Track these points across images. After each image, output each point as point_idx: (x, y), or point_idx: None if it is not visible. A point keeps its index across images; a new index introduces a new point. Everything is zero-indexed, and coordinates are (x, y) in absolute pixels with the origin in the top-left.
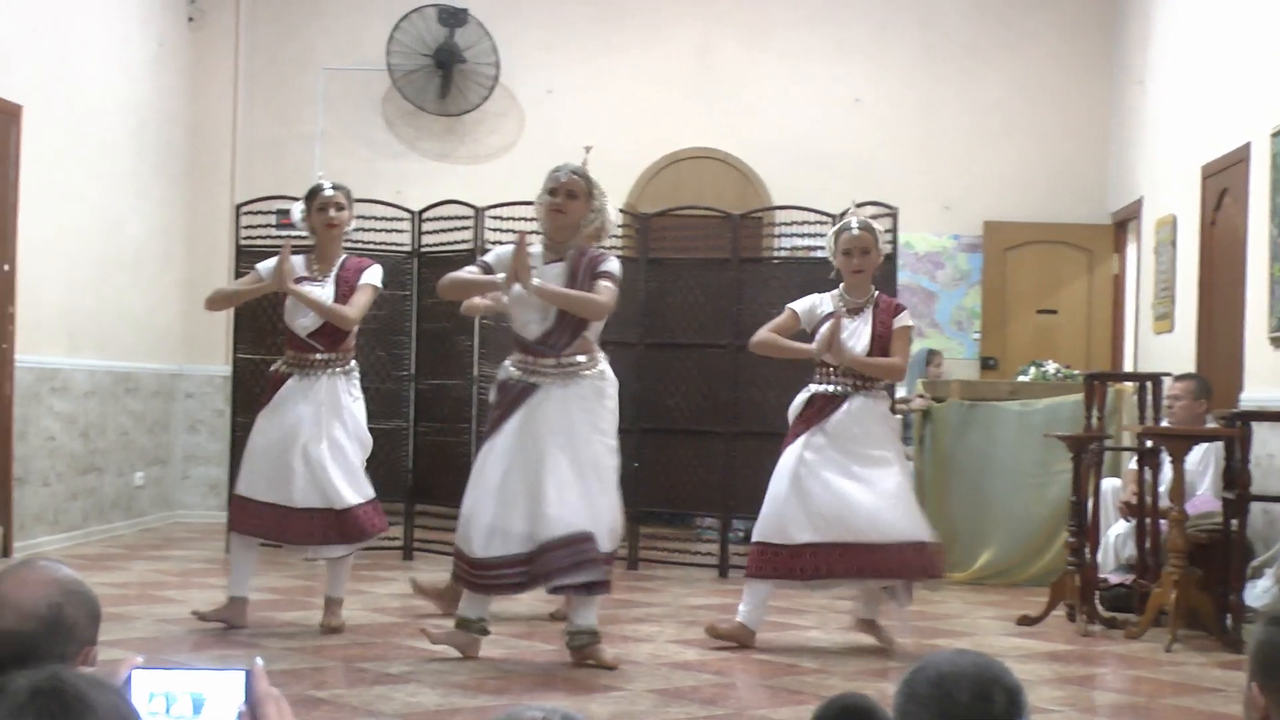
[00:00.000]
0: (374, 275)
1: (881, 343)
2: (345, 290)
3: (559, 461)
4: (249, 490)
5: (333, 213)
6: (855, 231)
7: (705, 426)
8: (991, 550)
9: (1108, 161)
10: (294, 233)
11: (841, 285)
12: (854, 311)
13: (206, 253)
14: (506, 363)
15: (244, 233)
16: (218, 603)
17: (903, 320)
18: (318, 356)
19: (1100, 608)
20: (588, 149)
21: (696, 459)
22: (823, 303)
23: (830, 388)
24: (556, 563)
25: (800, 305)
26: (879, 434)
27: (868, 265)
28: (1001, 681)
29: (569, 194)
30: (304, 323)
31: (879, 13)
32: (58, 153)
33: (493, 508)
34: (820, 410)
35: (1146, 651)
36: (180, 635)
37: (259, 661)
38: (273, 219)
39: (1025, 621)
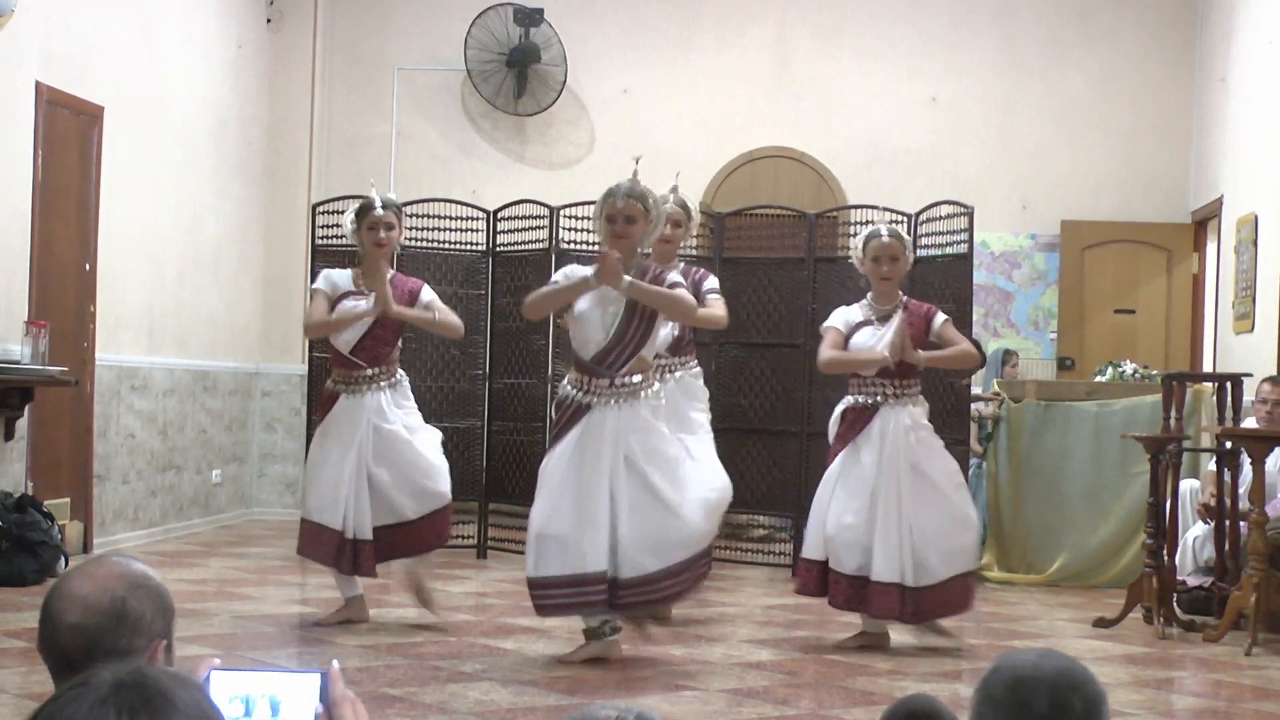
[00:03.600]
0: (430, 293)
1: (915, 346)
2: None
3: (633, 486)
4: (315, 515)
5: (382, 233)
6: (885, 239)
7: (779, 426)
8: (1067, 552)
9: (1188, 159)
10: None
11: (869, 294)
12: (882, 319)
13: (284, 252)
14: (565, 381)
15: (320, 232)
16: (296, 599)
17: (940, 317)
18: (365, 373)
19: (1178, 610)
20: (637, 160)
21: (770, 459)
22: (853, 313)
23: (863, 399)
24: (646, 595)
25: (837, 321)
26: (920, 439)
27: (896, 273)
28: (1083, 690)
29: (628, 219)
30: (347, 338)
31: (956, 10)
32: (138, 153)
33: (560, 525)
34: (852, 425)
35: (1226, 655)
36: (257, 632)
37: (335, 664)
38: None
39: (1102, 623)
